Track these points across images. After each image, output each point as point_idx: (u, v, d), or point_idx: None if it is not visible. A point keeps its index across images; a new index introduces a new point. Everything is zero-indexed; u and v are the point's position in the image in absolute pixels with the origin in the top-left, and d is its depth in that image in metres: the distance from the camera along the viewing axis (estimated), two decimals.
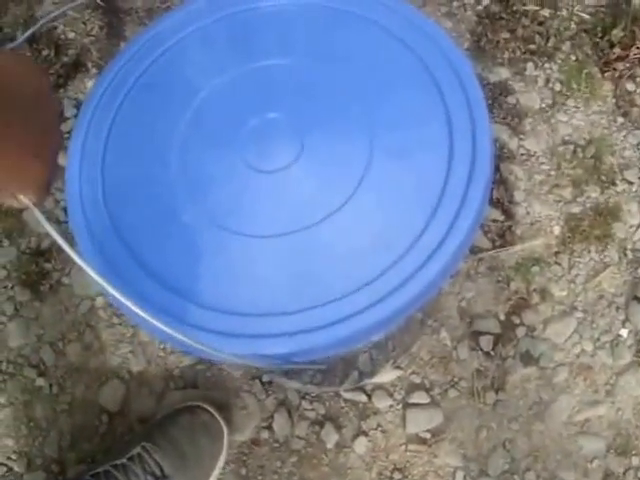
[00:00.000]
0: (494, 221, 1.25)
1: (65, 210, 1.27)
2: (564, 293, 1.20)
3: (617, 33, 1.34)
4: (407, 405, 1.13)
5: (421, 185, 0.77)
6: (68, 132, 1.35)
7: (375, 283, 0.71)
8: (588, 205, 1.26)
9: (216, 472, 1.08)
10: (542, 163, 1.29)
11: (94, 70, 1.43)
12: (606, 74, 1.35)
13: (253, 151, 0.81)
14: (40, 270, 1.25)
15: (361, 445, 1.12)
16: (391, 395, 1.14)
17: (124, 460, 1.03)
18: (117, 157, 0.83)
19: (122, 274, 0.75)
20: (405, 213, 0.75)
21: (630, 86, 1.34)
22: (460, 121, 0.79)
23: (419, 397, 1.13)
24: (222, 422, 1.09)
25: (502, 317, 1.18)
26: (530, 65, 1.36)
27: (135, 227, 0.79)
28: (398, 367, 1.15)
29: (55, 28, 1.47)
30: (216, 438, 1.08)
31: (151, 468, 1.02)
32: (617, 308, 1.19)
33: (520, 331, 1.17)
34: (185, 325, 0.72)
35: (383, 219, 0.76)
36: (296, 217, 0.76)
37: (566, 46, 1.38)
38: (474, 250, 1.23)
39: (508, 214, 1.26)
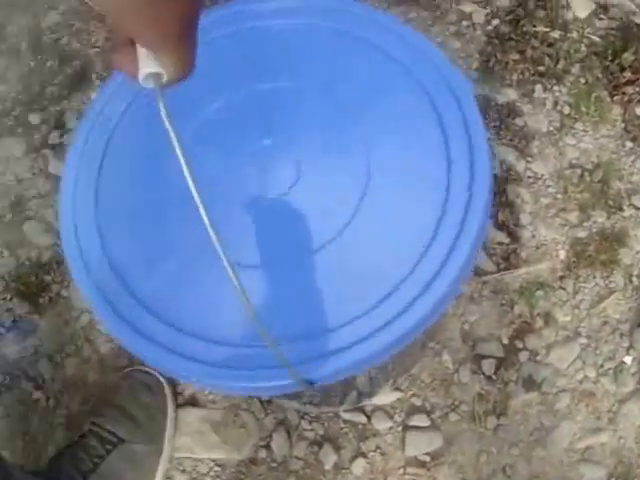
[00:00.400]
0: (499, 244, 1.29)
1: None
2: (568, 318, 1.24)
3: (628, 57, 1.39)
4: (407, 427, 1.17)
5: (420, 211, 0.80)
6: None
7: (383, 306, 0.76)
8: (594, 230, 1.30)
9: (170, 425, 1.14)
10: (549, 186, 1.33)
11: (98, 82, 1.48)
12: (615, 98, 1.39)
13: (252, 177, 0.85)
14: (39, 282, 1.29)
15: (359, 467, 1.15)
16: (391, 417, 1.17)
17: (77, 439, 1.10)
18: (112, 181, 0.87)
19: (119, 308, 0.79)
20: (404, 239, 0.79)
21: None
22: (458, 148, 0.82)
23: (419, 420, 1.17)
24: (158, 375, 1.16)
25: (505, 341, 1.22)
26: (539, 87, 1.41)
27: (130, 258, 0.83)
28: (397, 389, 1.18)
29: (60, 39, 1.53)
30: (157, 391, 1.15)
31: (107, 437, 1.08)
32: (621, 335, 1.23)
33: (523, 355, 1.21)
34: (179, 355, 0.76)
35: (380, 248, 0.79)
36: (294, 244, 0.80)
37: (576, 69, 1.42)
38: (478, 272, 1.27)
39: (513, 237, 1.30)
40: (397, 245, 0.79)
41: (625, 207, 1.31)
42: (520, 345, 1.22)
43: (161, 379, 1.16)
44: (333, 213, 0.81)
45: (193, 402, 1.19)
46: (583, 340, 1.22)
